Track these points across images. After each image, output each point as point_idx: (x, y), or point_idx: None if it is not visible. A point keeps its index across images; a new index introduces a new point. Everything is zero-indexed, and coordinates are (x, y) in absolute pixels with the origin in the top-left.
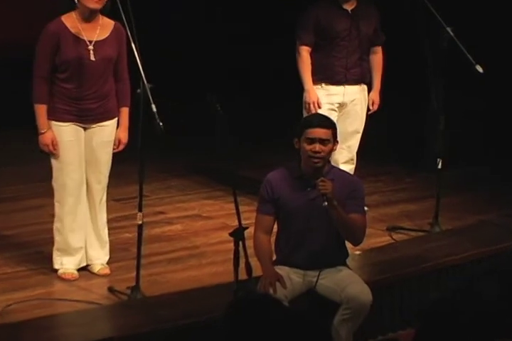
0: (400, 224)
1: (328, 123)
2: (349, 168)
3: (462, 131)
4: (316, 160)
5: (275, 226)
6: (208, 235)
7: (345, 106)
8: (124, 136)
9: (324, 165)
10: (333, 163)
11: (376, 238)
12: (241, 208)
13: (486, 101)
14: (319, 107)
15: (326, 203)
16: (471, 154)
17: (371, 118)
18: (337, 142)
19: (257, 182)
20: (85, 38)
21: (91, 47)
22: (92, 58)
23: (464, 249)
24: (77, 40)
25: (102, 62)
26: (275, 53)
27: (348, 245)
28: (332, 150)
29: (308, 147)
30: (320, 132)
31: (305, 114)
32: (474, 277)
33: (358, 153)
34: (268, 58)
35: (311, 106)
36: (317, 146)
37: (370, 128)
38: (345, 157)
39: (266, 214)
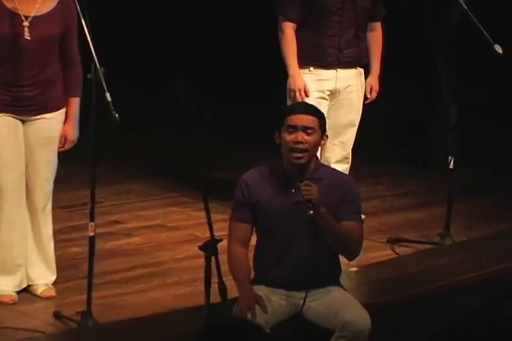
0: (403, 235)
1: (314, 111)
2: (343, 168)
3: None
4: (298, 155)
5: (253, 236)
6: (173, 249)
7: (337, 93)
8: (71, 132)
9: (309, 161)
10: (323, 161)
11: (375, 252)
12: (213, 217)
13: (492, 92)
14: (306, 95)
15: (312, 212)
16: (477, 152)
17: (369, 108)
18: (326, 136)
19: (232, 186)
20: (21, 13)
21: (26, 23)
22: (27, 37)
23: (480, 265)
24: (12, 15)
25: (41, 42)
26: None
27: (343, 260)
28: (318, 143)
29: (288, 137)
30: (303, 118)
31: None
32: (494, 299)
33: (353, 150)
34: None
35: (297, 94)
36: (299, 135)
37: (367, 120)
38: (338, 155)
39: (241, 221)
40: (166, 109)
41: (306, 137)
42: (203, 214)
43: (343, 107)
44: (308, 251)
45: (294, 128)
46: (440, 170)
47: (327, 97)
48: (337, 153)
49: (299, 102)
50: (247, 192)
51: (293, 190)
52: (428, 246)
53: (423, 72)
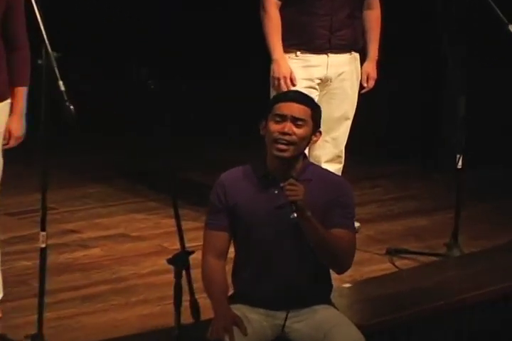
0: (404, 245)
1: (307, 100)
2: (335, 168)
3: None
4: (282, 146)
5: (231, 247)
6: (138, 263)
7: (329, 82)
8: (17, 127)
9: (295, 157)
10: (312, 160)
11: (372, 265)
12: (185, 225)
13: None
14: (293, 84)
15: (296, 215)
16: (488, 149)
17: (365, 99)
18: (319, 132)
19: (207, 189)
20: None
21: None
22: None
23: (493, 279)
24: None
25: None
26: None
27: (334, 275)
28: (309, 138)
29: (275, 127)
30: (294, 107)
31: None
32: (509, 320)
33: (347, 147)
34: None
35: (282, 82)
36: (287, 126)
37: (363, 113)
38: (329, 153)
39: (218, 229)
40: (130, 102)
41: (294, 129)
42: (172, 221)
43: (336, 98)
44: (293, 263)
45: (282, 118)
46: (447, 170)
47: (317, 86)
48: (328, 151)
49: (290, 90)
50: (224, 196)
51: (276, 192)
52: (433, 259)
53: (427, 57)
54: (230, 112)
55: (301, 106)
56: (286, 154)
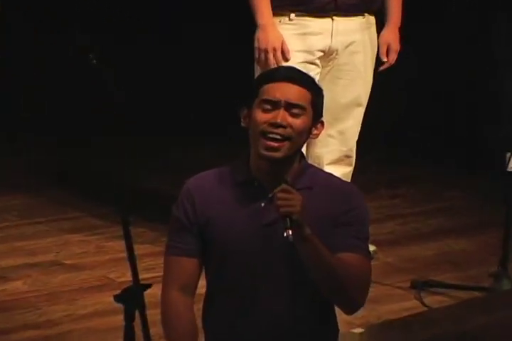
0: (435, 276)
1: (306, 80)
2: (342, 172)
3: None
4: (273, 143)
5: (202, 278)
6: (75, 301)
7: (334, 55)
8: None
9: (289, 157)
10: (311, 162)
11: (392, 302)
12: (139, 249)
13: None
14: (285, 58)
15: (291, 233)
16: None
17: (384, 79)
18: (321, 124)
19: (170, 200)
20: None
21: None
22: None
23: None
24: None
25: None
26: None
27: (341, 315)
28: (308, 132)
29: (262, 116)
30: (288, 89)
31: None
32: None
33: (358, 145)
34: None
35: (270, 56)
36: (280, 115)
37: (381, 98)
38: (334, 152)
39: (183, 254)
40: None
41: (289, 119)
42: (121, 244)
43: (343, 77)
44: (285, 299)
45: (273, 105)
46: (491, 173)
47: (318, 62)
48: (333, 149)
49: (284, 66)
50: (192, 209)
51: (263, 204)
52: (475, 294)
53: (461, 18)
54: (201, 113)
55: (298, 88)
56: (277, 154)
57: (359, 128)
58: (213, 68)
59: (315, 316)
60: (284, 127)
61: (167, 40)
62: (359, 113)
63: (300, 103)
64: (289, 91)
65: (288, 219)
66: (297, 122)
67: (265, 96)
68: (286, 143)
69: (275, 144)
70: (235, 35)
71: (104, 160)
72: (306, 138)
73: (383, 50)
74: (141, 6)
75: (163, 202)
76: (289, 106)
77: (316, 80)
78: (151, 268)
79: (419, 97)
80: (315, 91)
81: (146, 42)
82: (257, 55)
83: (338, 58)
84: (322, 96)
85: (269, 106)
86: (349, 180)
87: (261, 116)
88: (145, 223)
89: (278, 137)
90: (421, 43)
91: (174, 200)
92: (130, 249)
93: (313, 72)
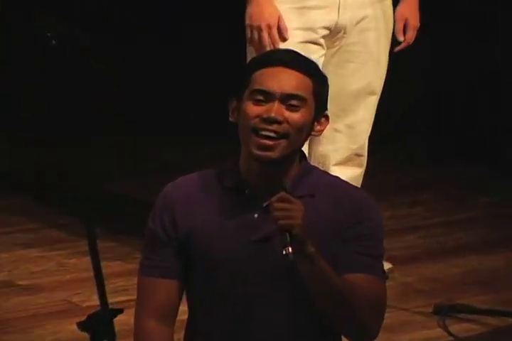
0: (463, 299)
1: (306, 65)
2: (352, 174)
3: None
4: (267, 142)
5: (183, 303)
6: (30, 329)
7: (342, 34)
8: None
9: (288, 158)
10: (314, 163)
11: (412, 331)
12: (107, 267)
13: None
14: (282, 38)
15: (291, 250)
16: None
17: (400, 60)
18: (326, 118)
19: (145, 209)
20: None
21: None
22: None
23: None
24: None
25: None
26: None
27: None
28: (309, 128)
29: (254, 109)
30: (284, 77)
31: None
32: None
33: (371, 141)
34: None
35: (264, 34)
36: (274, 108)
37: (397, 84)
38: (342, 150)
39: (161, 275)
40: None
41: (286, 112)
42: (86, 261)
43: (353, 60)
44: (282, 328)
45: (266, 96)
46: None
47: (322, 41)
48: (341, 147)
49: (281, 48)
50: (171, 221)
51: (256, 215)
52: (508, 320)
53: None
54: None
55: (297, 75)
56: (272, 153)
57: (372, 122)
58: (213, 68)
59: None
60: (280, 122)
61: (167, 39)
62: (372, 103)
63: (299, 93)
64: (286, 79)
65: (287, 234)
66: (295, 116)
67: (257, 86)
68: (283, 142)
69: (269, 142)
70: (235, 35)
71: (68, 161)
72: (307, 136)
73: (400, 27)
74: (141, 6)
75: (138, 210)
76: (285, 98)
77: (320, 64)
78: (123, 290)
79: (434, 88)
80: (318, 78)
81: (146, 42)
82: (248, 34)
83: (347, 37)
84: (327, 85)
85: (261, 98)
86: (359, 185)
87: (252, 110)
88: (115, 236)
89: (272, 134)
90: (436, 31)
91: (149, 209)
92: (97, 267)
93: (317, 54)
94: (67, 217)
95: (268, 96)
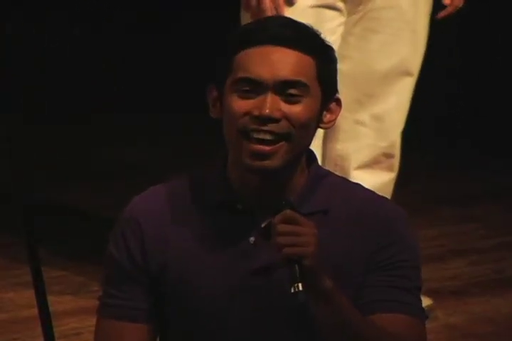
0: None
1: (303, 37)
2: (379, 180)
3: None
4: (261, 147)
5: None
6: None
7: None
8: None
9: (291, 165)
10: (330, 166)
11: None
12: (55, 303)
13: None
14: (288, 2)
15: (301, 287)
16: None
17: (444, 35)
18: (337, 102)
19: (100, 228)
20: None
21: None
22: None
23: None
24: None
25: None
26: None
27: None
28: (316, 121)
29: (240, 105)
30: (277, 58)
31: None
32: None
33: (404, 138)
34: None
35: None
36: (267, 100)
37: (439, 63)
38: (366, 148)
39: (127, 318)
40: None
41: (284, 106)
42: (28, 296)
43: (382, 30)
44: None
45: (255, 86)
46: None
47: (340, 5)
48: (365, 144)
49: (269, 18)
50: (139, 248)
51: (252, 239)
52: None
53: None
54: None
55: (294, 54)
56: (270, 162)
57: (406, 111)
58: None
59: None
60: (277, 121)
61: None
62: (407, 86)
63: (299, 79)
64: (279, 62)
65: (296, 267)
66: (297, 110)
67: (241, 74)
68: (283, 145)
69: (265, 148)
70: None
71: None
72: (315, 131)
73: None
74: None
75: (93, 228)
76: (280, 87)
77: (339, 34)
78: (75, 333)
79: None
80: (322, 54)
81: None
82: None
83: (372, 2)
84: (334, 60)
85: (247, 88)
86: (389, 195)
87: (238, 105)
88: (65, 262)
89: (268, 137)
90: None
91: (110, 228)
92: (42, 304)
93: (334, 21)
94: (3, 237)
95: (257, 87)
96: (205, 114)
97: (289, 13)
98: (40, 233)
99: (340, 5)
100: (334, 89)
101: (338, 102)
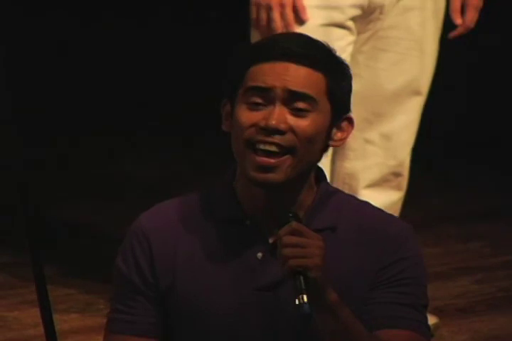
0: None
1: (318, 55)
2: (388, 199)
3: None
4: (266, 159)
5: None
6: None
7: (377, 15)
8: None
9: (298, 180)
10: (338, 184)
11: None
12: (61, 321)
13: None
14: (299, 20)
15: (305, 299)
16: None
17: (457, 52)
18: (349, 121)
19: (106, 244)
20: None
21: None
22: None
23: None
24: None
25: None
26: None
27: None
28: (325, 137)
29: (248, 116)
30: (288, 71)
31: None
32: None
33: (413, 157)
34: None
35: (274, 14)
36: (275, 112)
37: (452, 81)
38: (375, 167)
39: (135, 332)
40: None
41: (291, 118)
42: (33, 314)
43: (392, 49)
44: None
45: (264, 95)
46: None
47: (351, 25)
48: (374, 163)
49: (282, 35)
50: (148, 264)
51: (259, 255)
52: None
53: None
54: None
55: (305, 70)
56: (274, 175)
57: (416, 131)
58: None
59: None
60: (283, 133)
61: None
62: (415, 106)
63: (307, 92)
64: (289, 75)
65: (301, 278)
66: (303, 124)
67: (251, 83)
68: (287, 159)
69: (270, 160)
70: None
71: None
72: (324, 148)
73: (457, 6)
74: None
75: (99, 244)
76: (289, 98)
77: (348, 53)
78: None
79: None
80: (333, 71)
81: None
82: (254, 15)
83: (384, 19)
84: (347, 78)
85: (258, 100)
86: (397, 213)
87: (246, 117)
88: (71, 280)
89: (273, 149)
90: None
91: (118, 245)
92: (48, 322)
93: (344, 40)
94: (7, 255)
95: (267, 97)
96: (212, 133)
97: (299, 31)
98: (47, 251)
99: (350, 24)
100: (346, 107)
101: (351, 121)
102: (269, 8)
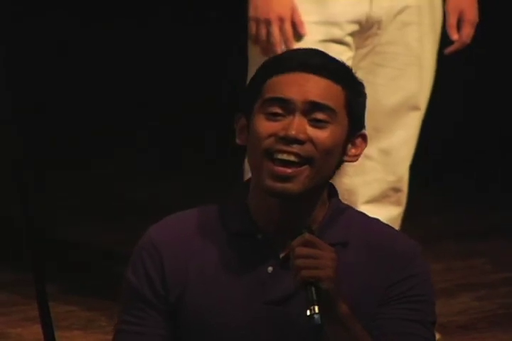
0: None
1: (335, 68)
2: (387, 214)
3: None
4: (284, 169)
5: None
6: None
7: (375, 31)
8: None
9: (313, 192)
10: (344, 200)
11: None
12: (63, 338)
13: None
14: (297, 36)
15: (317, 310)
16: None
17: (455, 67)
18: (363, 138)
19: (108, 260)
20: None
21: None
22: None
23: None
24: None
25: None
26: None
27: None
28: (341, 151)
29: (267, 126)
30: (308, 83)
31: (255, 63)
32: None
33: (412, 171)
34: None
35: (273, 29)
36: (295, 122)
37: (449, 96)
38: (374, 183)
39: None
40: None
41: (310, 129)
42: (35, 331)
43: (390, 64)
44: None
45: (284, 106)
46: None
47: (349, 40)
48: (373, 179)
49: (300, 49)
50: (159, 276)
51: (270, 269)
52: None
53: None
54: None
55: (325, 82)
56: (292, 185)
57: (414, 146)
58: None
59: None
60: (302, 143)
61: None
62: (414, 121)
63: (327, 103)
64: (309, 86)
65: (313, 289)
66: (323, 135)
67: (271, 94)
68: (305, 169)
69: (287, 170)
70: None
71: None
72: (339, 162)
73: (453, 22)
74: None
75: (101, 261)
76: (309, 109)
77: None
78: None
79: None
80: (352, 86)
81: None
82: (253, 30)
83: (382, 34)
84: (363, 95)
85: (277, 110)
86: (398, 227)
87: (265, 127)
88: (73, 297)
89: (292, 158)
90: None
91: (127, 256)
92: (50, 339)
93: (342, 56)
94: (9, 274)
95: (286, 107)
96: (216, 149)
97: (297, 47)
98: (49, 268)
99: (349, 39)
100: (361, 123)
101: (364, 138)
102: (268, 24)
